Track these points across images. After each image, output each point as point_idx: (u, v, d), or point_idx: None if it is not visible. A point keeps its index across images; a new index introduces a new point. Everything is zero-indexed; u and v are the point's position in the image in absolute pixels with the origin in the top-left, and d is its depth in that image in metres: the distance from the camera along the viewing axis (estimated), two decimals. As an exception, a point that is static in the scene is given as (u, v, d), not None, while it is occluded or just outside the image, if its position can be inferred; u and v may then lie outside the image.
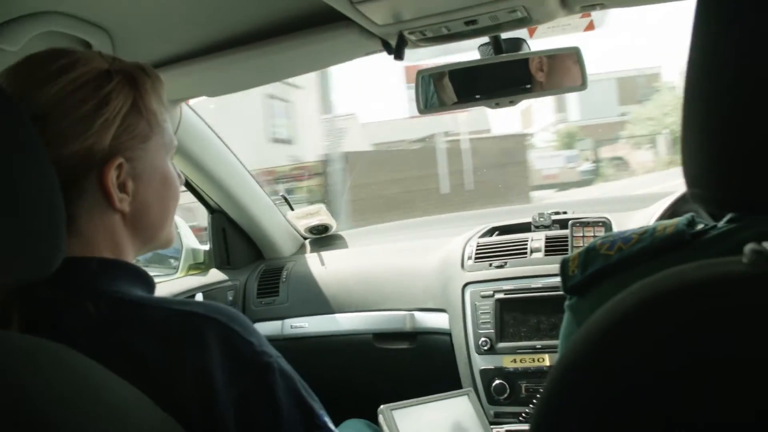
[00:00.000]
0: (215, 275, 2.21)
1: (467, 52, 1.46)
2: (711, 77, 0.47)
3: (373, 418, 1.55)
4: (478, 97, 1.43)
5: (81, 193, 0.78)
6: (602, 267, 0.69)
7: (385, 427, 1.45)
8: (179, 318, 0.76)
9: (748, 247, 0.46)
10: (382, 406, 1.47)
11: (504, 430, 1.70)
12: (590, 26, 1.47)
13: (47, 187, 0.65)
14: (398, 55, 1.28)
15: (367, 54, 1.38)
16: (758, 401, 0.42)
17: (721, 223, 0.64)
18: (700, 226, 0.65)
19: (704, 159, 0.47)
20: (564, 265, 0.74)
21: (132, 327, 0.74)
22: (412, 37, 1.26)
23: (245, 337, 0.77)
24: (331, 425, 0.81)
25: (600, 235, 0.75)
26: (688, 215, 0.67)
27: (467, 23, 1.21)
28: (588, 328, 0.50)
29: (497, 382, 1.75)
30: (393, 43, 1.27)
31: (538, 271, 1.77)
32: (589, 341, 0.50)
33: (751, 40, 0.45)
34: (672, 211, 1.69)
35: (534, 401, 1.69)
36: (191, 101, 1.76)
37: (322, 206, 2.36)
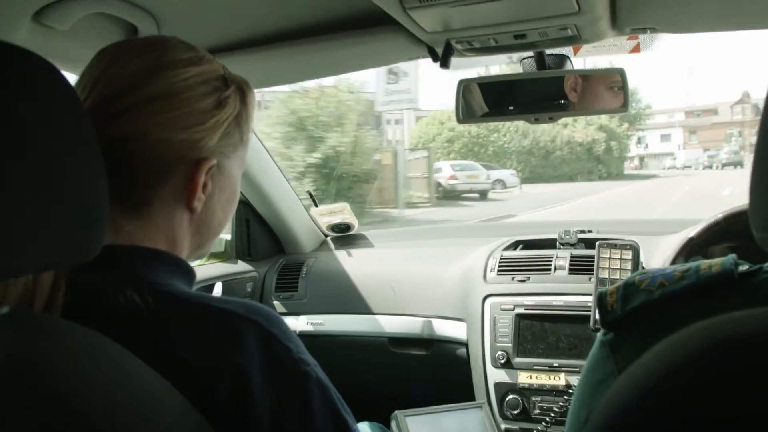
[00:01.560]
0: (235, 266, 2.22)
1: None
2: None
3: (383, 422, 1.55)
4: (517, 110, 1.43)
5: (166, 180, 0.79)
6: (644, 303, 0.67)
7: (397, 432, 1.46)
8: (219, 317, 0.75)
9: None
10: (396, 412, 1.47)
11: (514, 445, 1.69)
12: (636, 48, 1.46)
13: (93, 175, 0.65)
14: (444, 63, 1.27)
15: (411, 59, 1.37)
16: None
17: (767, 265, 0.63)
18: (744, 267, 0.64)
19: None
20: (602, 298, 0.72)
21: (171, 321, 0.74)
22: (459, 46, 1.26)
23: (284, 342, 0.76)
24: None
25: (637, 272, 0.73)
26: (731, 256, 0.66)
27: (516, 37, 1.20)
28: (646, 370, 0.49)
29: (511, 397, 1.74)
30: (439, 50, 1.27)
31: (561, 288, 1.76)
32: (647, 387, 0.49)
33: None
34: (704, 240, 1.67)
35: (546, 420, 1.68)
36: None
37: (346, 205, 2.36)
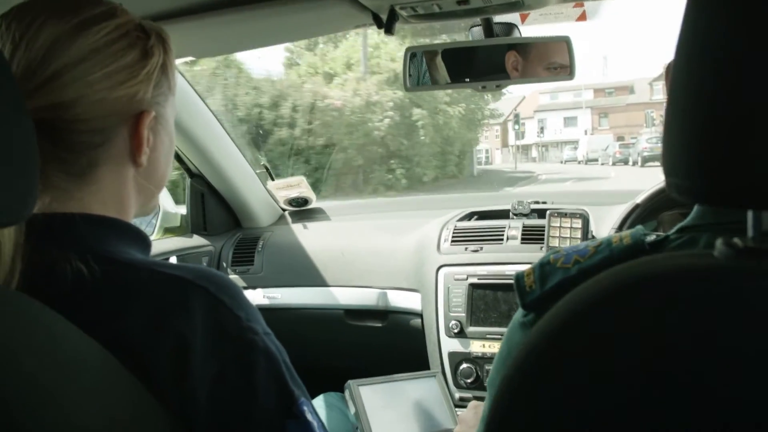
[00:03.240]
0: (190, 240, 2.20)
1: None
2: (697, 65, 0.47)
3: (340, 393, 1.56)
4: (464, 78, 1.42)
5: (110, 140, 0.78)
6: (562, 280, 0.68)
7: (350, 402, 1.46)
8: (166, 282, 0.73)
9: (720, 241, 0.46)
10: (349, 381, 1.48)
11: (468, 413, 1.71)
12: (583, 16, 1.46)
13: (21, 136, 0.64)
14: (388, 30, 1.26)
15: (357, 27, 1.36)
16: (723, 394, 0.43)
17: (672, 234, 0.65)
18: (652, 237, 0.66)
19: (681, 148, 0.47)
20: (519, 280, 0.72)
21: (115, 287, 0.72)
22: (404, 13, 1.25)
23: (233, 309, 0.74)
24: (310, 415, 0.76)
25: (550, 252, 0.74)
26: (639, 227, 0.68)
27: (459, 2, 1.20)
28: (552, 315, 0.50)
29: (464, 365, 1.76)
30: (384, 17, 1.26)
31: (513, 258, 1.78)
32: (556, 329, 0.50)
33: (740, 28, 0.44)
34: (652, 206, 1.70)
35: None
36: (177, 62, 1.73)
37: (302, 178, 2.35)
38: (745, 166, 0.44)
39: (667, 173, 0.50)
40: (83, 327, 0.66)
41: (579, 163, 35.77)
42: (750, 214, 0.47)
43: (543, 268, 0.71)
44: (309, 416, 0.76)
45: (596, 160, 33.42)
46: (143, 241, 0.82)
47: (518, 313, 0.74)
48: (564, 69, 1.40)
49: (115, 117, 0.77)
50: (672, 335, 0.45)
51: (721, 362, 0.43)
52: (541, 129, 49.62)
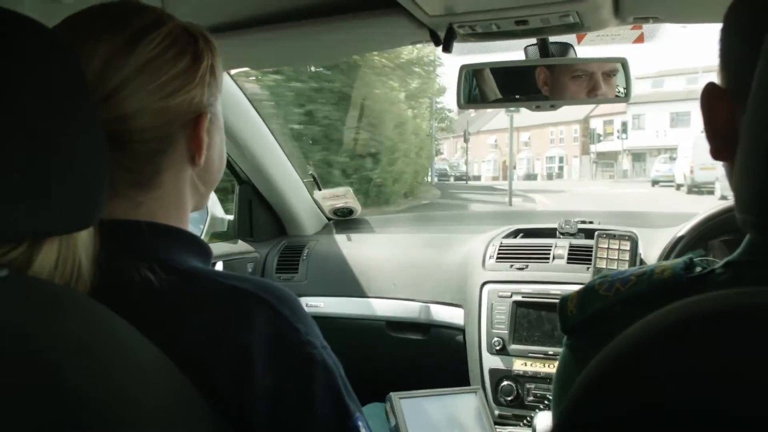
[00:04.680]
0: (237, 246, 2.23)
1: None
2: None
3: (381, 404, 1.56)
4: (519, 97, 1.43)
5: (172, 145, 0.80)
6: (600, 309, 0.68)
7: (391, 414, 1.47)
8: (229, 293, 0.75)
9: None
10: (391, 394, 1.49)
11: (507, 431, 1.70)
12: (640, 38, 1.46)
13: (93, 145, 0.66)
14: (446, 48, 1.27)
15: (413, 43, 1.38)
16: None
17: (718, 269, 0.63)
18: (698, 269, 0.64)
19: (760, 183, 0.47)
20: (563, 304, 0.73)
21: (179, 297, 0.73)
22: (461, 31, 1.26)
23: (293, 323, 0.75)
24: (365, 430, 0.76)
25: (598, 276, 0.73)
26: (686, 257, 0.66)
27: (518, 23, 1.20)
28: (603, 355, 0.50)
29: (505, 383, 1.75)
30: (441, 34, 1.27)
31: (559, 277, 1.77)
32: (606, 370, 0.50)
33: None
34: (695, 234, 1.67)
35: (540, 407, 1.69)
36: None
37: (349, 189, 2.37)
38: None
39: (743, 209, 0.49)
40: (147, 336, 0.67)
41: (678, 188, 22.90)
42: None
43: (586, 294, 0.71)
44: (364, 431, 0.76)
45: (710, 185, 19.06)
46: (204, 251, 0.84)
47: (565, 336, 0.75)
48: (610, 81, 1.40)
49: (175, 123, 0.79)
50: (725, 373, 0.44)
51: None
52: (623, 128, 35.70)
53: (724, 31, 0.63)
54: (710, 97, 0.63)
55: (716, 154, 0.63)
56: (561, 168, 46.68)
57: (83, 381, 0.60)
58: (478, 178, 48.17)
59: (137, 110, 0.76)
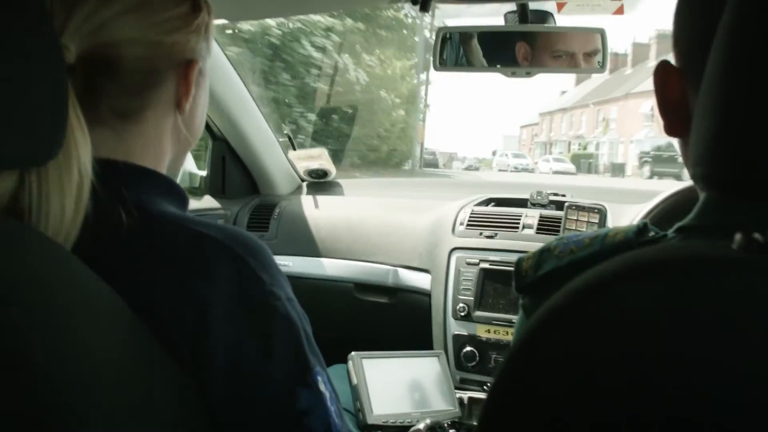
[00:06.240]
0: (208, 201, 2.22)
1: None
2: (739, 53, 0.46)
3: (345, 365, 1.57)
4: (495, 62, 1.42)
5: (160, 83, 0.81)
6: (553, 269, 0.69)
7: (352, 373, 1.48)
8: (193, 238, 0.74)
9: (739, 235, 0.45)
10: (352, 353, 1.50)
11: (467, 396, 1.72)
12: (620, 10, 1.45)
13: (51, 78, 0.65)
14: (424, 7, 1.26)
15: (392, 2, 1.36)
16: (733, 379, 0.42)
17: (670, 233, 0.64)
18: (651, 234, 0.65)
19: (710, 136, 0.47)
20: (518, 264, 0.74)
21: (145, 241, 0.73)
22: (440, -9, 1.25)
23: (257, 272, 0.74)
24: (323, 385, 0.75)
25: (556, 238, 0.74)
26: (639, 222, 0.67)
27: (496, -15, 1.20)
28: (546, 307, 0.50)
29: (468, 349, 1.77)
30: (419, -6, 1.26)
31: (527, 247, 1.78)
32: (546, 321, 0.50)
33: None
34: (662, 209, 1.69)
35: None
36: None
37: (324, 150, 2.36)
38: None
39: (694, 163, 0.50)
40: (111, 281, 0.67)
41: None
42: None
43: (542, 254, 0.72)
44: (322, 386, 0.75)
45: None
46: (180, 196, 0.83)
47: (521, 296, 0.76)
48: (590, 60, 1.40)
49: (168, 61, 0.80)
50: (695, 323, 0.43)
51: (739, 354, 0.42)
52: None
53: (677, 9, 0.64)
54: (663, 75, 0.64)
55: (670, 130, 0.64)
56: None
57: (32, 319, 0.59)
58: (621, 168, 34.53)
59: (134, 38, 0.77)
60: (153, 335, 0.69)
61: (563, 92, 57.60)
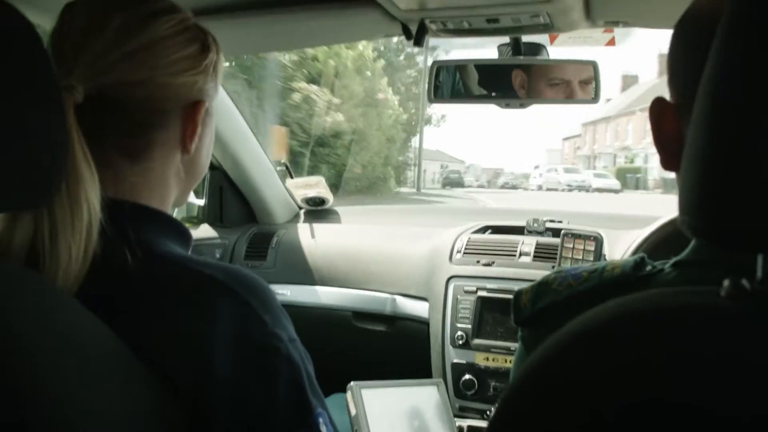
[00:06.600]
0: (206, 231, 2.23)
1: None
2: (722, 104, 0.47)
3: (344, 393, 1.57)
4: (489, 94, 1.44)
5: (166, 124, 0.82)
6: (551, 303, 0.70)
7: (351, 403, 1.47)
8: (196, 279, 0.74)
9: (727, 282, 0.46)
10: (351, 383, 1.49)
11: (467, 424, 1.72)
12: (611, 42, 1.47)
13: (50, 121, 0.65)
14: (417, 42, 1.28)
15: (386, 36, 1.38)
16: None
17: (667, 267, 0.65)
18: (648, 268, 0.66)
19: (695, 187, 0.48)
20: (517, 297, 0.75)
21: (147, 280, 0.73)
22: (433, 26, 1.27)
23: (260, 313, 0.74)
24: (324, 427, 0.75)
25: (553, 271, 0.75)
26: (637, 257, 0.68)
27: (489, 21, 1.22)
28: (547, 347, 0.51)
29: (467, 377, 1.77)
30: (413, 29, 1.28)
31: (524, 275, 1.79)
32: (544, 360, 0.51)
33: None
34: (657, 237, 1.70)
35: (500, 401, 1.71)
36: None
37: (321, 179, 2.37)
38: (761, 211, 0.44)
39: (682, 210, 0.51)
40: (114, 316, 0.68)
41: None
42: (760, 258, 0.47)
43: (540, 288, 0.74)
44: (323, 428, 0.75)
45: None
46: (184, 236, 0.84)
47: (520, 329, 0.77)
48: (586, 88, 1.42)
49: (175, 102, 0.81)
50: (673, 369, 0.45)
51: (719, 401, 0.43)
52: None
53: (671, 45, 0.65)
54: (658, 111, 0.65)
55: (666, 164, 0.65)
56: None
57: (32, 369, 0.60)
58: (675, 184, 30.47)
59: (142, 79, 0.78)
60: (154, 378, 0.69)
61: (608, 99, 50.42)
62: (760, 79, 0.45)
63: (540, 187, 32.54)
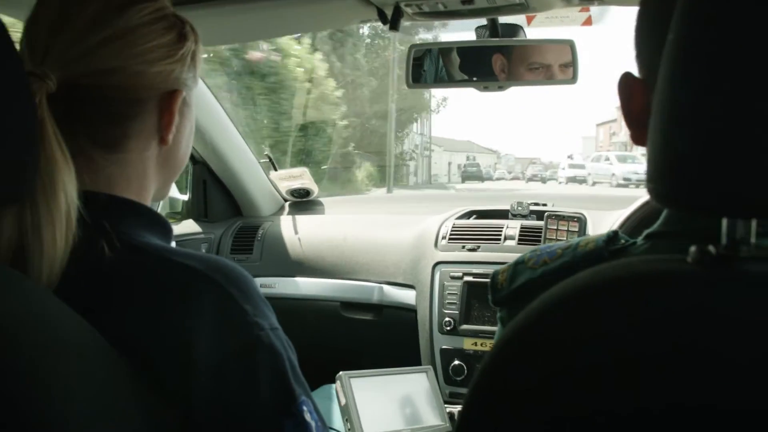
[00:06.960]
0: (190, 226, 2.21)
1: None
2: (682, 73, 0.47)
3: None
4: (467, 77, 1.44)
5: (142, 113, 0.80)
6: (527, 281, 0.71)
7: (341, 394, 1.47)
8: (176, 270, 0.73)
9: (694, 248, 0.47)
10: (341, 373, 1.49)
11: (457, 410, 1.72)
12: (588, 21, 1.47)
13: (19, 107, 0.64)
14: (393, 26, 1.27)
15: (362, 22, 1.37)
16: (674, 394, 0.44)
17: (639, 240, 0.65)
18: (621, 242, 0.67)
19: (663, 153, 0.48)
20: (494, 277, 0.76)
21: (126, 273, 0.73)
22: (409, 10, 1.26)
23: (241, 303, 0.73)
24: (309, 415, 0.74)
25: (529, 251, 0.76)
26: (609, 231, 0.69)
27: (464, 2, 1.21)
28: (518, 319, 0.51)
29: (456, 362, 1.77)
30: (389, 13, 1.27)
31: (509, 258, 1.75)
32: (522, 326, 0.51)
33: (731, 36, 0.45)
34: (640, 215, 1.71)
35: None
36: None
37: (305, 170, 2.36)
38: (723, 175, 0.45)
39: (648, 178, 0.51)
40: (93, 310, 0.67)
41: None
42: (725, 222, 0.48)
43: (516, 267, 0.74)
44: (308, 416, 0.74)
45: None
46: (163, 227, 0.83)
47: (498, 309, 0.77)
48: (566, 71, 1.41)
49: (151, 91, 0.80)
50: (641, 338, 0.46)
51: (688, 368, 0.44)
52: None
53: (637, 21, 0.65)
54: (626, 86, 0.66)
55: (637, 139, 0.66)
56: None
57: (13, 363, 0.59)
58: None
59: (116, 67, 0.77)
60: (135, 369, 0.68)
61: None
62: (718, 47, 0.45)
63: (573, 179, 28.47)
